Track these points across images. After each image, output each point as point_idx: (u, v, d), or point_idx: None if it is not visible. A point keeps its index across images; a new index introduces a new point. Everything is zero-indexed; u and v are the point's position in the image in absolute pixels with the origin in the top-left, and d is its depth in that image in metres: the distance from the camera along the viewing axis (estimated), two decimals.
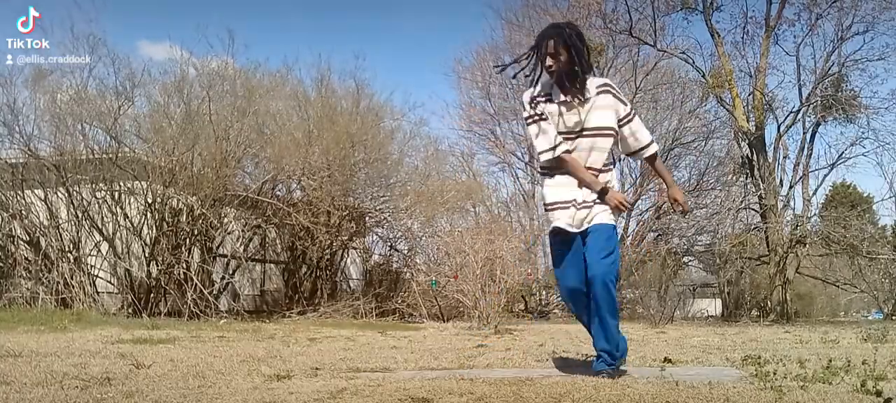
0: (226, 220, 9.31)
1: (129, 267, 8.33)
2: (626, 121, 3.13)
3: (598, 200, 3.04)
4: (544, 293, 16.18)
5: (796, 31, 15.18)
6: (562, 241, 3.10)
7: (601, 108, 3.05)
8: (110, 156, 8.32)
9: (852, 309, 23.53)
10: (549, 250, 3.29)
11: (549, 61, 2.97)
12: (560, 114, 3.05)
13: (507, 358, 4.19)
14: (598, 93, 3.05)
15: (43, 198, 8.28)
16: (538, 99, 3.09)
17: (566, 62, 2.97)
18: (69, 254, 8.17)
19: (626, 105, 3.14)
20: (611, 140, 3.09)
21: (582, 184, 3.05)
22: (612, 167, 3.16)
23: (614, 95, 3.10)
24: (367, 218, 11.50)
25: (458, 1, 39.73)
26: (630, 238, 17.71)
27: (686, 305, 15.33)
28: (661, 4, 15.41)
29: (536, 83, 3.10)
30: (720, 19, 15.69)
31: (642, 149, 3.20)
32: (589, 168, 3.05)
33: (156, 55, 46.07)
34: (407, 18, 43.74)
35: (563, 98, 3.03)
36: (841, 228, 14.50)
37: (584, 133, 3.05)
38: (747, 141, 15.28)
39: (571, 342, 5.77)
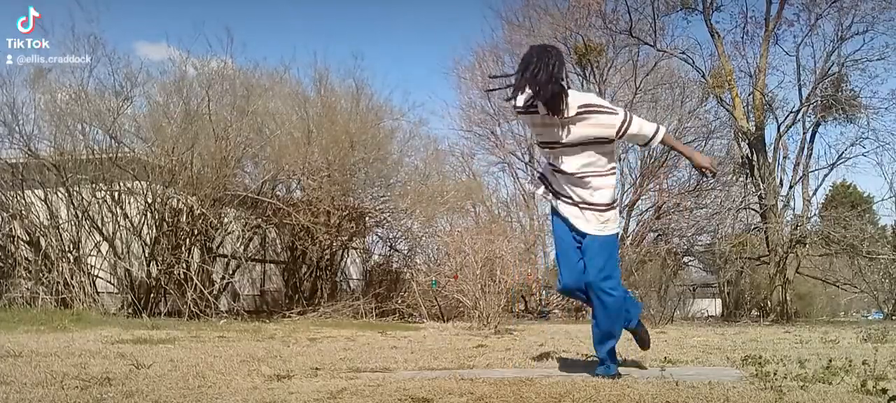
0: (226, 220, 9.31)
1: (129, 267, 8.33)
2: (624, 129, 3.13)
3: (584, 204, 3.18)
4: (544, 293, 16.18)
5: (796, 31, 15.20)
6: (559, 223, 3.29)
7: (585, 123, 3.09)
8: (110, 155, 8.32)
9: (852, 309, 23.52)
10: (548, 250, 3.49)
11: (534, 85, 3.03)
12: (543, 125, 3.17)
13: (507, 358, 4.20)
14: (580, 111, 3.09)
15: (43, 198, 8.28)
16: (522, 109, 3.19)
17: (543, 84, 3.02)
18: (69, 254, 8.17)
19: (617, 114, 3.13)
20: (596, 148, 3.14)
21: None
22: (608, 173, 3.20)
23: (599, 111, 3.11)
24: (367, 219, 11.50)
25: (458, 1, 39.75)
26: (630, 238, 17.71)
27: (686, 305, 15.33)
28: (660, 4, 15.43)
29: (517, 97, 3.17)
30: (720, 19, 15.70)
31: (650, 139, 3.22)
32: (574, 174, 3.17)
33: (153, 56, 46.11)
34: (406, 18, 43.76)
35: (544, 112, 3.12)
36: (841, 228, 14.50)
37: (568, 146, 3.14)
38: (747, 141, 15.28)
39: (571, 342, 5.77)
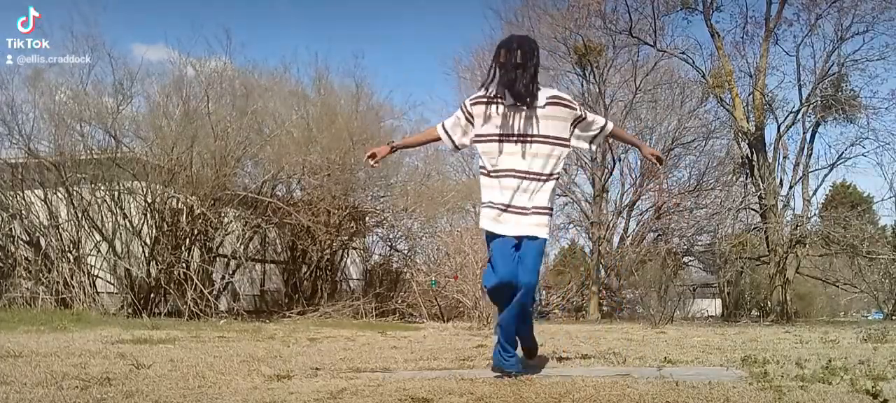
0: (226, 220, 9.31)
1: (129, 267, 8.32)
2: (579, 120, 3.25)
3: (530, 209, 3.14)
4: (544, 293, 16.18)
5: (796, 32, 15.17)
6: (492, 238, 3.22)
7: (550, 119, 3.15)
8: (110, 155, 8.32)
9: (852, 309, 23.51)
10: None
11: (513, 67, 3.09)
12: (506, 116, 3.14)
13: None
14: (547, 104, 3.15)
15: (43, 197, 8.28)
16: (482, 98, 3.21)
17: (524, 71, 3.09)
18: (69, 254, 8.17)
19: (576, 109, 3.25)
20: (555, 149, 3.18)
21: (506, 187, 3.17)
22: (553, 178, 3.20)
23: (565, 105, 3.21)
24: (367, 218, 11.51)
25: (458, 1, 39.75)
26: (630, 238, 17.72)
27: (686, 305, 15.33)
28: (660, 4, 15.42)
29: (490, 85, 3.21)
30: (720, 19, 15.68)
31: (600, 130, 3.33)
32: (528, 172, 3.14)
33: (151, 57, 46.10)
34: (406, 18, 43.79)
35: (512, 101, 3.13)
36: (841, 228, 14.50)
37: (529, 139, 3.13)
38: (747, 141, 15.27)
39: (571, 342, 5.77)
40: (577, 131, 3.26)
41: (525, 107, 3.12)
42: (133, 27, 36.72)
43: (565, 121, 3.19)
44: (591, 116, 3.30)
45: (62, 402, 2.46)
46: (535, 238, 3.12)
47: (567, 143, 3.22)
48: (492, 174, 3.18)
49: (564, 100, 3.22)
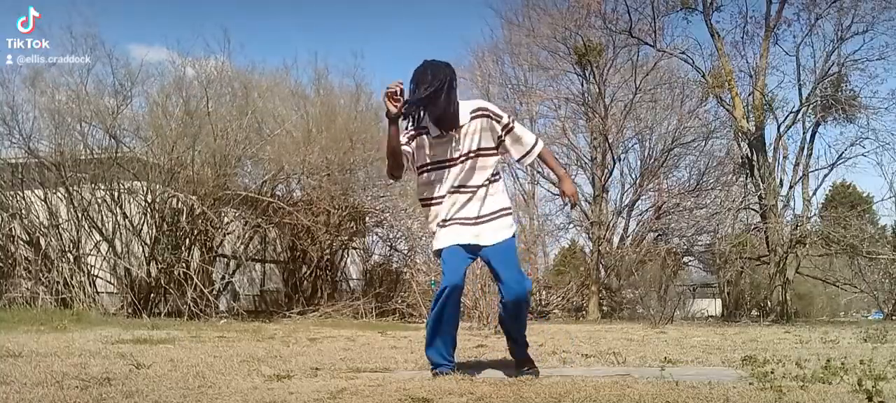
0: (226, 220, 9.32)
1: (129, 266, 8.32)
2: (506, 131, 3.21)
3: (485, 217, 3.15)
4: (544, 293, 16.17)
5: (796, 31, 15.17)
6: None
7: (477, 132, 3.14)
8: (110, 155, 8.33)
9: (852, 309, 23.49)
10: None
11: (428, 103, 3.05)
12: (432, 146, 3.16)
13: (508, 358, 4.19)
14: (472, 119, 3.14)
15: (43, 197, 8.28)
16: (411, 131, 3.19)
17: (442, 102, 3.05)
18: (69, 254, 8.17)
19: (502, 119, 3.20)
20: (491, 158, 3.19)
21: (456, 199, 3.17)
22: (496, 179, 3.24)
23: (490, 116, 3.18)
24: (367, 218, 11.51)
25: (458, 1, 39.74)
26: (630, 238, 17.70)
27: (686, 305, 15.31)
28: (660, 4, 15.41)
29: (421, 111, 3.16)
30: (720, 19, 15.65)
31: (529, 151, 3.28)
32: (470, 185, 3.14)
33: (150, 58, 45.93)
34: (405, 18, 43.80)
35: (436, 133, 3.13)
36: (841, 228, 14.49)
37: (462, 159, 3.14)
38: (747, 141, 15.27)
39: (571, 342, 5.77)
40: (508, 140, 3.22)
41: (451, 134, 3.11)
42: (132, 28, 36.70)
43: (492, 132, 3.17)
44: (520, 129, 3.25)
45: (62, 402, 2.45)
46: (499, 242, 3.12)
47: (495, 152, 3.22)
48: (433, 201, 3.19)
49: (488, 111, 3.19)
